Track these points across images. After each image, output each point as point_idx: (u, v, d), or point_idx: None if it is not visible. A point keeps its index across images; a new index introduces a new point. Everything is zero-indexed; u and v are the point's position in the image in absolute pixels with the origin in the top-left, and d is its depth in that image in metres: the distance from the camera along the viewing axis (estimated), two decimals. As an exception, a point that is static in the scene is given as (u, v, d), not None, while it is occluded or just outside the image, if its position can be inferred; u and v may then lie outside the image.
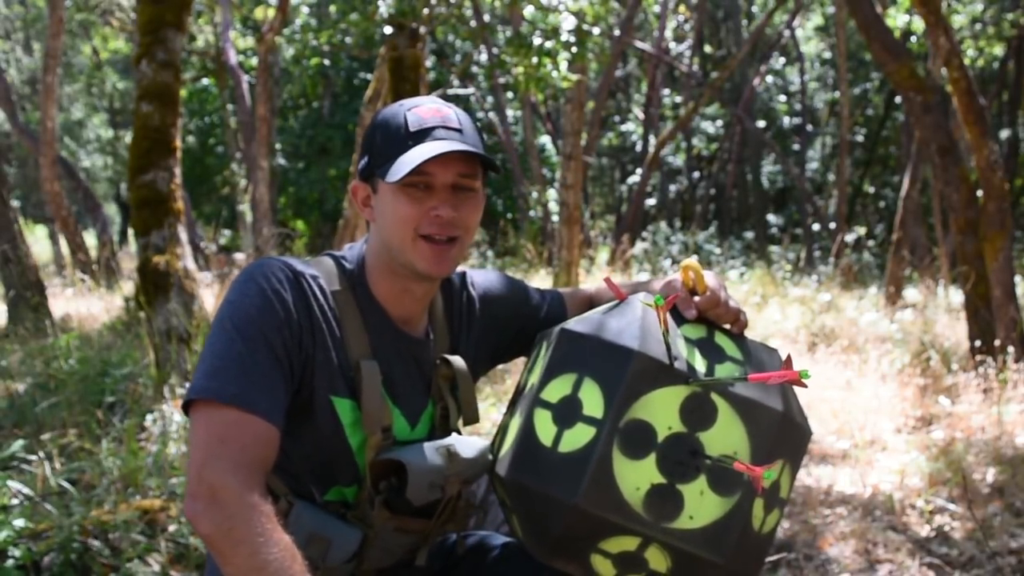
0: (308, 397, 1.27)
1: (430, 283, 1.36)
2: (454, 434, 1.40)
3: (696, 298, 1.27)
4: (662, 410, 1.14)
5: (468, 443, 1.34)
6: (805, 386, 1.13)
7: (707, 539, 1.13)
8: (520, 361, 1.61)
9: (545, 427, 1.17)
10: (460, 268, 1.51)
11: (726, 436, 1.15)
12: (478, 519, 1.51)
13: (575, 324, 1.24)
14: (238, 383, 1.16)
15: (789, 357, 1.14)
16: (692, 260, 1.29)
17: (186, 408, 1.18)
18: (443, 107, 1.32)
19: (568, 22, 6.92)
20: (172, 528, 2.54)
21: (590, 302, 1.57)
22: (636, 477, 1.12)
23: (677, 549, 1.12)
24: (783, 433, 1.18)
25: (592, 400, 1.15)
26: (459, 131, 1.30)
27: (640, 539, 1.12)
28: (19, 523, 2.36)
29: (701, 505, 1.13)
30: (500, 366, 1.80)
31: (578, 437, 1.14)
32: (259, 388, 1.17)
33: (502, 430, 1.31)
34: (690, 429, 1.14)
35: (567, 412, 1.17)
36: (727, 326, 1.28)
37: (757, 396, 1.17)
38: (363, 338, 1.32)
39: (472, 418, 1.41)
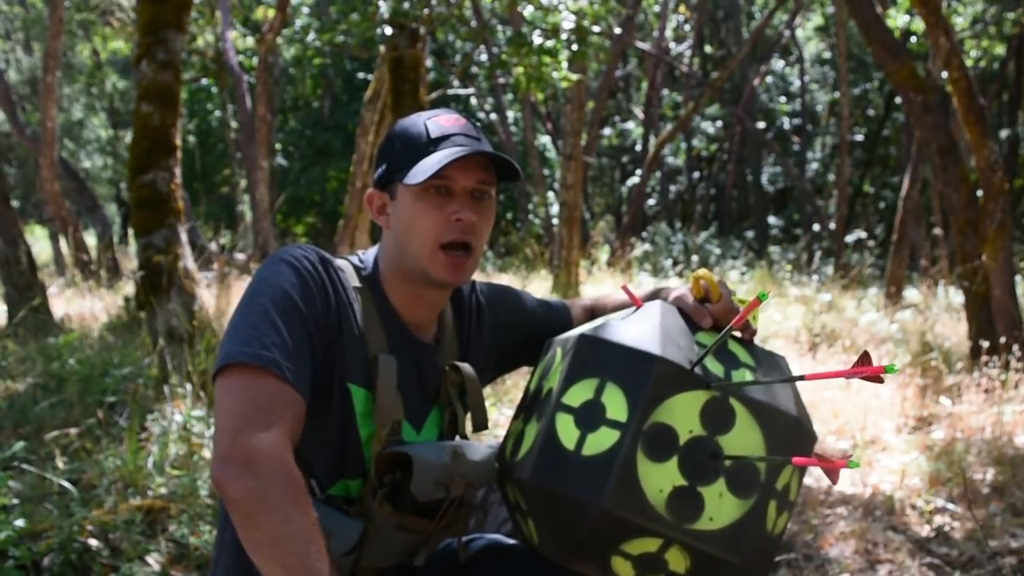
0: (327, 380, 1.28)
1: (443, 290, 1.38)
2: (460, 438, 1.42)
3: (710, 305, 1.30)
4: (683, 414, 1.16)
5: (475, 447, 1.36)
6: (882, 381, 1.12)
7: (726, 540, 1.15)
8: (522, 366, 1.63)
9: (568, 431, 1.19)
10: None
11: (744, 439, 1.17)
12: (478, 520, 1.51)
13: (594, 330, 1.26)
14: (275, 350, 1.16)
15: (866, 353, 1.13)
16: (704, 270, 1.33)
17: (215, 375, 1.17)
18: (461, 118, 1.36)
19: (568, 21, 6.92)
20: (172, 528, 2.54)
21: (592, 311, 1.60)
22: (659, 479, 1.14)
23: (697, 550, 1.14)
24: (796, 438, 1.21)
25: (615, 404, 1.17)
26: (478, 139, 1.34)
27: (662, 540, 1.14)
28: (19, 523, 2.36)
29: (720, 507, 1.15)
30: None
31: (602, 440, 1.15)
32: (293, 359, 1.18)
33: (514, 435, 1.32)
34: (710, 432, 1.16)
35: (590, 416, 1.18)
36: (737, 333, 1.31)
37: (772, 401, 1.20)
38: (380, 334, 1.34)
39: (481, 424, 1.42)
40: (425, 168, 1.27)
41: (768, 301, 7.82)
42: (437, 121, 1.33)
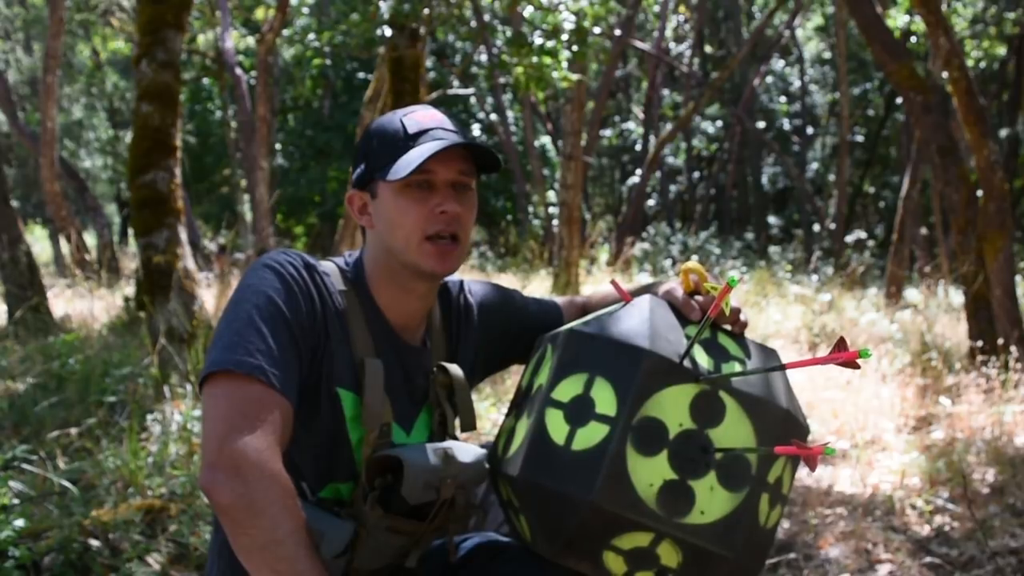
0: (315, 384, 1.28)
1: (432, 284, 1.37)
2: (451, 440, 1.41)
3: (699, 298, 1.29)
4: (673, 408, 1.16)
5: (466, 449, 1.36)
6: (858, 367, 1.13)
7: (718, 534, 1.14)
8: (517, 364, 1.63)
9: (557, 426, 1.19)
10: (457, 276, 1.53)
11: (734, 432, 1.17)
12: (478, 519, 1.51)
13: (583, 325, 1.26)
14: (260, 357, 1.16)
15: (842, 339, 1.13)
16: (693, 263, 1.32)
17: (202, 382, 1.17)
18: (438, 112, 1.35)
19: (569, 22, 6.92)
20: (172, 528, 2.54)
21: (583, 309, 1.60)
22: (649, 473, 1.14)
23: (689, 544, 1.14)
24: (787, 430, 1.20)
25: (604, 399, 1.17)
26: (455, 132, 1.33)
27: (653, 535, 1.14)
28: (19, 523, 2.37)
29: (712, 500, 1.15)
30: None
31: (591, 435, 1.15)
32: (279, 365, 1.18)
33: (506, 432, 1.32)
34: (700, 426, 1.16)
35: (579, 411, 1.18)
36: (728, 327, 1.30)
37: (763, 394, 1.20)
38: (367, 337, 1.33)
39: (469, 425, 1.42)
40: (406, 164, 1.27)
41: (767, 301, 7.83)
42: (413, 117, 1.33)
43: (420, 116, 1.33)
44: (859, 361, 1.12)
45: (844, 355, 1.11)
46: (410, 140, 1.30)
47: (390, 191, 1.31)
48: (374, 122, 1.37)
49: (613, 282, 1.39)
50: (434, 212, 1.30)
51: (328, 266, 1.35)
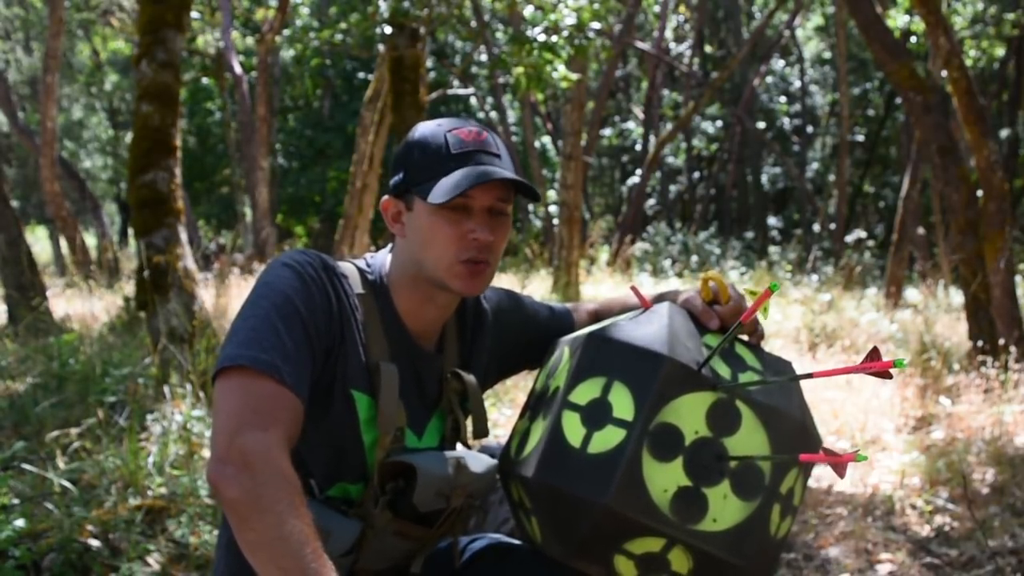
0: (328, 385, 1.28)
1: (455, 297, 1.37)
2: (462, 447, 1.42)
3: (719, 307, 1.30)
4: (689, 415, 1.16)
5: (478, 458, 1.36)
6: (891, 377, 1.12)
7: (729, 542, 1.15)
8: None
9: (574, 429, 1.19)
10: None
11: (749, 441, 1.17)
12: (478, 519, 1.51)
13: (603, 329, 1.26)
14: (273, 354, 1.16)
15: (876, 349, 1.11)
16: (713, 272, 1.33)
17: (215, 377, 1.17)
18: (482, 131, 1.34)
19: (570, 18, 6.93)
20: (172, 528, 2.54)
21: (596, 315, 1.60)
22: (664, 479, 1.14)
23: (700, 551, 1.14)
24: (801, 441, 1.21)
25: (622, 403, 1.17)
26: (498, 156, 1.32)
27: (665, 540, 1.14)
28: (19, 523, 2.37)
29: (724, 508, 1.15)
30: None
31: (608, 439, 1.16)
32: (292, 362, 1.18)
33: (520, 433, 1.32)
34: (716, 434, 1.16)
35: (596, 414, 1.18)
36: (745, 337, 1.31)
37: (779, 404, 1.20)
38: (382, 341, 1.33)
39: (482, 432, 1.42)
40: (446, 188, 1.25)
41: (768, 301, 7.83)
42: (457, 134, 1.31)
43: (464, 134, 1.31)
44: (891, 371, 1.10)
45: (878, 364, 1.09)
46: (452, 161, 1.28)
47: (426, 208, 1.30)
48: (417, 131, 1.35)
49: (633, 288, 1.39)
50: (467, 238, 1.29)
51: (347, 268, 1.35)
